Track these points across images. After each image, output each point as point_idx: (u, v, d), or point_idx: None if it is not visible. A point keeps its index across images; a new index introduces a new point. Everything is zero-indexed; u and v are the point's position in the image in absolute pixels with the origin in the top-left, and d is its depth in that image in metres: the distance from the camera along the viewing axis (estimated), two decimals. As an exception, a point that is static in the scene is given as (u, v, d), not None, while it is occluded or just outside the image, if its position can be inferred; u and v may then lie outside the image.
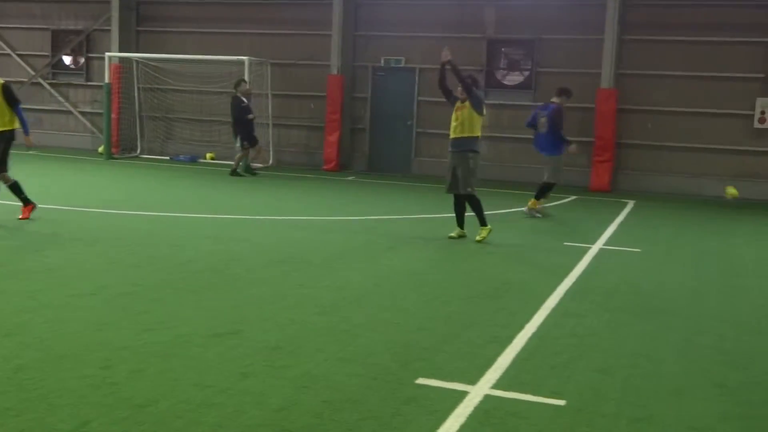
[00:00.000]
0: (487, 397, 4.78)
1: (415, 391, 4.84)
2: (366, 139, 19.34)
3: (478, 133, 9.92)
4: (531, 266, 9.04)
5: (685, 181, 17.18)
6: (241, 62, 18.17)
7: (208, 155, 19.28)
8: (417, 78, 18.67)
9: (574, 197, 15.80)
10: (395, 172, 18.60)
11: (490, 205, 14.00)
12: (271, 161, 19.29)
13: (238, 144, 17.19)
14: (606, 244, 10.52)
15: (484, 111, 9.97)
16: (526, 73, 18.24)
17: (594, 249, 10.04)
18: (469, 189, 9.96)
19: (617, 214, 13.64)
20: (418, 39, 18.65)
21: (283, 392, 4.73)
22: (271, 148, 19.45)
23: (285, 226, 11.18)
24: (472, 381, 5.03)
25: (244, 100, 16.75)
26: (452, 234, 10.25)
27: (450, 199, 10.43)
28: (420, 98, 18.66)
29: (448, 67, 9.81)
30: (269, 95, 19.43)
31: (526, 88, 18.17)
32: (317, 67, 19.17)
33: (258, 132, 17.59)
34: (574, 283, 8.04)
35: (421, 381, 5.00)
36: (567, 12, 17.73)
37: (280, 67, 19.56)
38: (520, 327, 6.33)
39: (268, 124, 19.37)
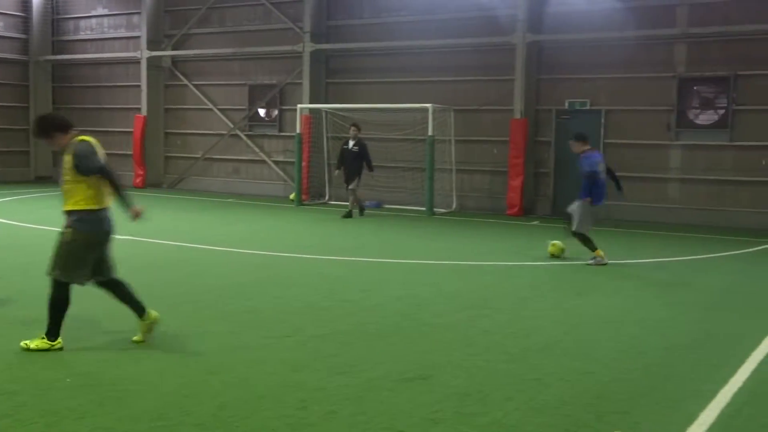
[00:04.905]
0: (691, 456, 4.51)
1: (611, 446, 4.65)
2: (550, 183, 19.05)
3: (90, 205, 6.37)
4: (733, 314, 8.47)
5: None
6: (425, 109, 18.52)
7: None
8: (603, 120, 18.22)
9: (778, 242, 14.73)
10: (581, 216, 18.13)
11: (688, 251, 13.33)
12: (454, 206, 19.45)
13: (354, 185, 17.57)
14: (818, 292, 9.71)
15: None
16: (721, 111, 17.35)
17: (804, 298, 9.29)
18: (57, 272, 6.37)
19: (829, 259, 12.57)
20: (604, 80, 18.24)
21: (474, 440, 4.68)
22: (454, 194, 19.60)
23: (469, 270, 11.16)
24: (674, 437, 4.76)
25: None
26: (136, 338, 6.66)
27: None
28: (606, 140, 18.15)
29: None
30: (452, 141, 19.63)
31: (722, 128, 17.25)
32: (500, 111, 19.18)
33: (440, 177, 18.89)
34: (784, 335, 7.47)
35: (617, 435, 4.80)
36: (765, 45, 16.75)
37: (462, 112, 19.76)
38: (725, 381, 5.93)
39: (451, 170, 19.56)
